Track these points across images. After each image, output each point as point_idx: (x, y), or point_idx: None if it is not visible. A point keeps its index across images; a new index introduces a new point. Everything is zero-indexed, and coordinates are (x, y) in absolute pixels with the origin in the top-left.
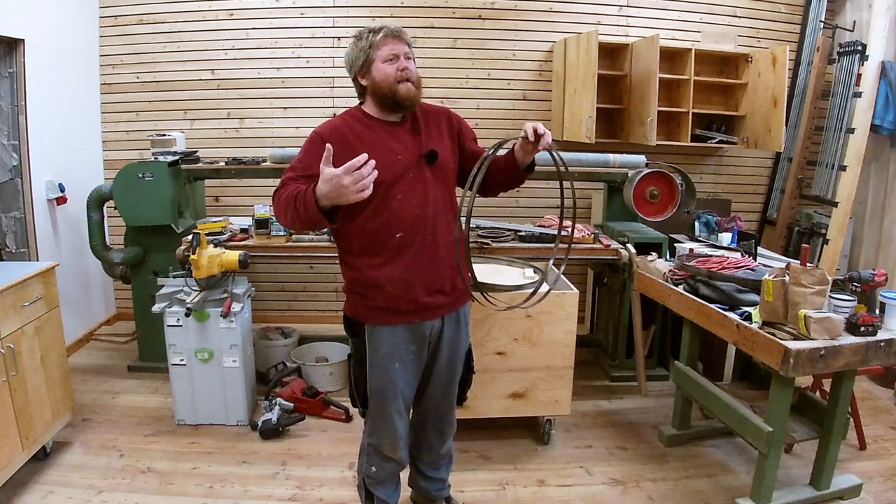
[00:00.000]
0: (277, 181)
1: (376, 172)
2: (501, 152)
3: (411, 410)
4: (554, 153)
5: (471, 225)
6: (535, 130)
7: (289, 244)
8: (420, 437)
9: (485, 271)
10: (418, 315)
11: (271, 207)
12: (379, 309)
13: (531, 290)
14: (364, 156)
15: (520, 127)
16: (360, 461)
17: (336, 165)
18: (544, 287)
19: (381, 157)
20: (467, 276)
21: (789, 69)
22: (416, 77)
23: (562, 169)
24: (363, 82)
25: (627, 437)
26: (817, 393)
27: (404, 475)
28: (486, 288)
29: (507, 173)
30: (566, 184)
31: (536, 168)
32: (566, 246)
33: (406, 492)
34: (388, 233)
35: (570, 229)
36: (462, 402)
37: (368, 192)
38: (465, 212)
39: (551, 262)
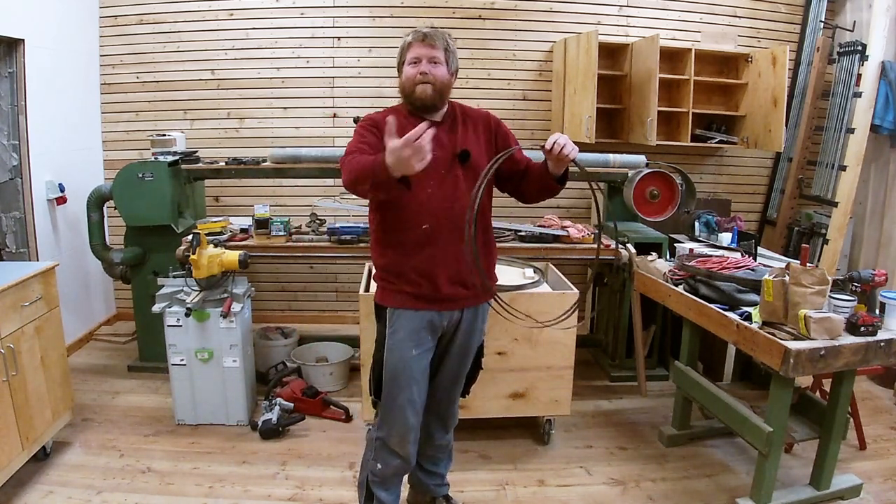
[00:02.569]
0: (277, 181)
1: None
2: (529, 153)
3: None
4: (579, 166)
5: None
6: (553, 145)
7: (289, 244)
8: (422, 430)
9: None
10: (439, 304)
11: (342, 173)
12: (402, 293)
13: (563, 315)
14: (423, 125)
15: (520, 127)
16: (365, 456)
17: (380, 140)
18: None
19: None
20: (481, 279)
21: (789, 69)
22: (438, 80)
23: (592, 185)
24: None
25: (627, 437)
26: (817, 393)
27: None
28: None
29: (540, 182)
30: (595, 188)
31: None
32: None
33: (404, 493)
34: (417, 222)
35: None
36: (466, 395)
37: (429, 158)
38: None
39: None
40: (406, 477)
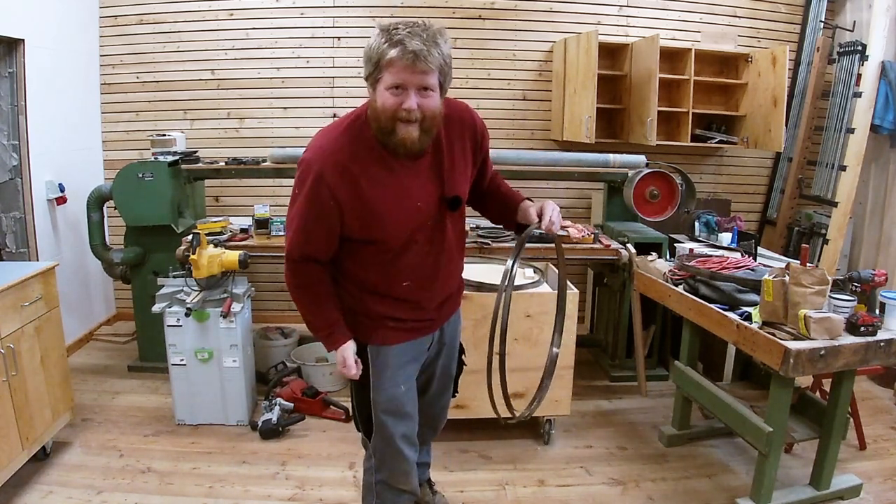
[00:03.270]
0: (277, 181)
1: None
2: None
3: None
4: (556, 242)
5: (471, 225)
6: (548, 223)
7: None
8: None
9: (484, 271)
10: (417, 333)
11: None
12: (380, 329)
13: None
14: (350, 371)
15: (520, 127)
16: (366, 501)
17: (346, 211)
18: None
19: (398, 209)
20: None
21: (789, 69)
22: (429, 115)
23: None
24: (369, 92)
25: (627, 437)
26: (817, 393)
27: None
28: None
29: (504, 216)
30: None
31: (538, 168)
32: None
33: None
34: (397, 281)
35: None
36: (455, 395)
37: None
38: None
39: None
40: None
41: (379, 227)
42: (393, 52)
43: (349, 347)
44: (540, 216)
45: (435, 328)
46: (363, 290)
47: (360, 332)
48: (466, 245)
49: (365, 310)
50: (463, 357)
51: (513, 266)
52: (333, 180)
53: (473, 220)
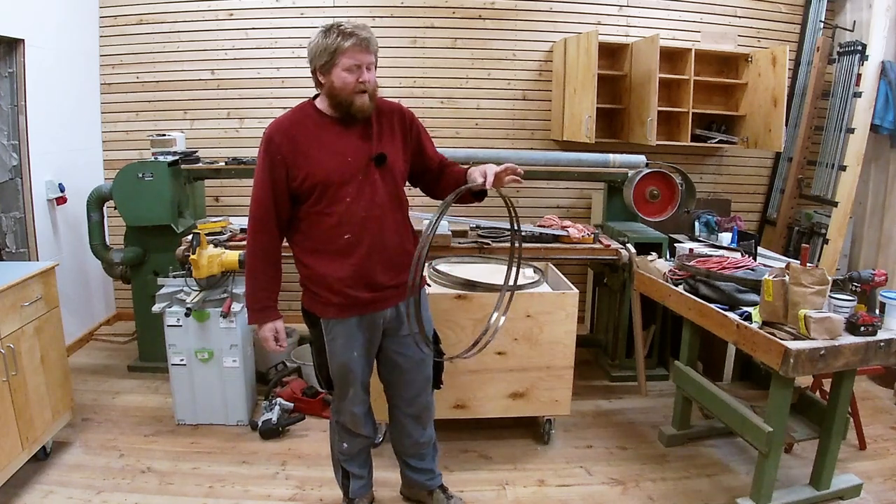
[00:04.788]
0: None
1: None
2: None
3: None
4: (505, 198)
5: (471, 225)
6: (492, 178)
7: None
8: (397, 430)
9: (484, 271)
10: (369, 308)
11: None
12: (332, 305)
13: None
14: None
15: (520, 127)
16: (331, 438)
17: (290, 165)
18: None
19: (331, 159)
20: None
21: (789, 69)
22: (373, 87)
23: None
24: (321, 80)
25: (627, 437)
26: (817, 393)
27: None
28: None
29: (456, 188)
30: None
31: (538, 168)
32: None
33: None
34: (337, 233)
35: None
36: (438, 387)
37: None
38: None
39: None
40: (399, 473)
41: (315, 171)
42: (348, 42)
43: (272, 328)
44: (484, 176)
45: (385, 306)
46: (312, 253)
47: (316, 308)
48: (466, 245)
49: (317, 277)
50: (439, 347)
51: (438, 217)
52: (279, 139)
53: (473, 220)
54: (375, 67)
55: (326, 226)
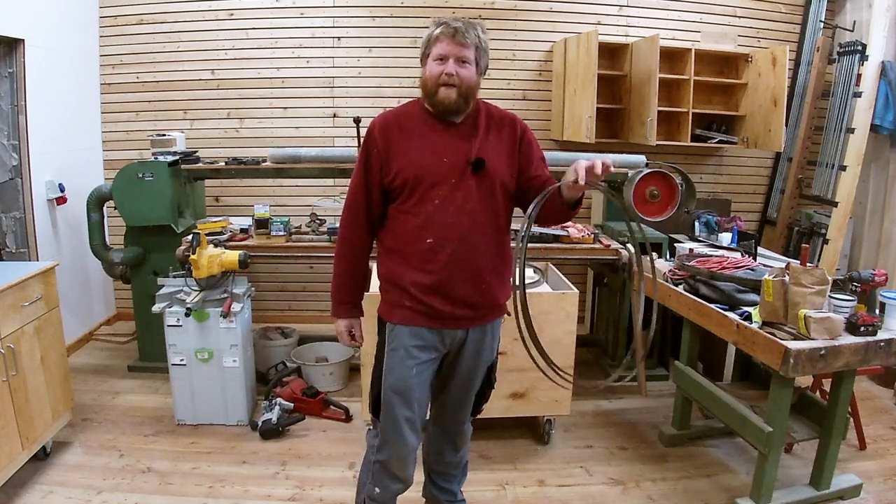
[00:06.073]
0: (277, 181)
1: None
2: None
3: (425, 429)
4: (605, 189)
5: None
6: (583, 173)
7: (289, 244)
8: (431, 446)
9: None
10: (440, 322)
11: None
12: (401, 307)
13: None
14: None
15: None
16: (361, 478)
17: (385, 159)
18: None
19: (425, 157)
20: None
21: (789, 69)
22: (465, 83)
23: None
24: (421, 72)
25: (627, 437)
26: (817, 393)
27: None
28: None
29: (551, 207)
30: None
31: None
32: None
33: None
34: (420, 236)
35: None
36: (476, 415)
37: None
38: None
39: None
40: (421, 491)
41: (407, 167)
42: (439, 30)
43: (348, 324)
44: (576, 173)
45: (457, 325)
46: (394, 252)
47: (383, 309)
48: None
49: (393, 276)
50: (494, 375)
51: (528, 224)
52: (378, 133)
53: None
54: (479, 64)
55: (411, 226)
